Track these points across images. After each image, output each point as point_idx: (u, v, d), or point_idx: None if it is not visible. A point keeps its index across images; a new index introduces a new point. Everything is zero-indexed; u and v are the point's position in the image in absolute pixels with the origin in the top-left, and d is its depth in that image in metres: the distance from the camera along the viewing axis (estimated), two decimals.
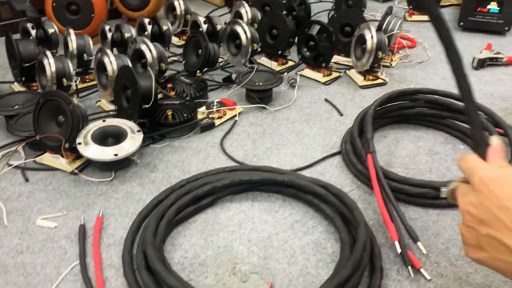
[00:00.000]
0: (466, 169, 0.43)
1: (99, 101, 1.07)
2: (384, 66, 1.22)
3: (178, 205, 0.70)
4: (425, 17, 1.66)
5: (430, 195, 0.73)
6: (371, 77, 1.17)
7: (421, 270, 0.62)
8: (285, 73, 1.22)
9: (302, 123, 1.01)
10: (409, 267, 0.61)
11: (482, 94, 1.11)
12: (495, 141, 0.44)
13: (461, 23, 1.54)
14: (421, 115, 0.96)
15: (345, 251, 0.63)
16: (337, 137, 0.95)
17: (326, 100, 1.10)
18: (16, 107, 0.96)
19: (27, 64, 1.04)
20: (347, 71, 1.23)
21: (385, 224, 0.66)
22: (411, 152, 0.89)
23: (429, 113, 0.95)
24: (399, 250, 0.63)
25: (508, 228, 0.36)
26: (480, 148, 0.44)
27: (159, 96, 1.02)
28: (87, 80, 1.16)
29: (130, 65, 0.99)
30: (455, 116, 0.93)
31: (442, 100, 0.93)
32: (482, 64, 1.26)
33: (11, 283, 0.61)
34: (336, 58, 1.27)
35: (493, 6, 1.48)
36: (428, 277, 0.61)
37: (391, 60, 1.27)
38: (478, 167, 0.40)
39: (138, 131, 0.85)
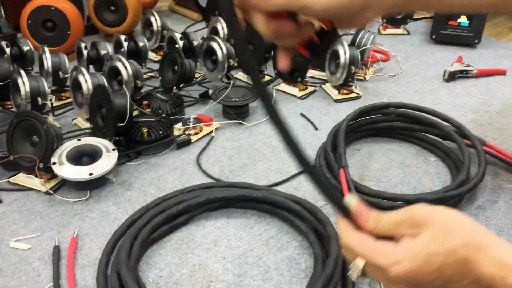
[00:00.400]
0: (362, 258, 0.40)
1: (75, 119, 1.07)
2: (358, 79, 1.25)
3: (152, 224, 0.71)
4: (399, 31, 1.70)
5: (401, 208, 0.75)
6: (345, 91, 1.20)
7: None
8: None
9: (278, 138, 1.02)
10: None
11: (453, 106, 1.15)
12: (353, 202, 0.42)
13: (433, 36, 1.58)
14: (393, 128, 0.99)
15: (318, 266, 0.64)
16: (312, 151, 0.97)
17: (301, 114, 1.12)
18: None
19: (1, 83, 1.04)
20: (323, 85, 1.25)
21: None
22: (383, 165, 0.91)
23: (400, 126, 0.98)
24: None
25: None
26: (346, 215, 0.41)
27: (135, 112, 1.02)
28: (63, 98, 1.16)
29: (106, 83, 1.00)
30: (426, 129, 0.95)
31: (413, 113, 0.95)
32: (452, 76, 1.30)
33: None
34: (311, 72, 1.30)
35: (463, 20, 1.53)
36: None
37: (365, 74, 1.30)
38: (382, 264, 0.38)
39: (113, 149, 0.85)
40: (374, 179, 0.87)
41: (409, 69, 1.37)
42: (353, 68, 1.13)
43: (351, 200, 0.42)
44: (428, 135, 0.96)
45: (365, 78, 1.29)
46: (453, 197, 0.77)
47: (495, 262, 0.36)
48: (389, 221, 0.40)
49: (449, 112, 0.95)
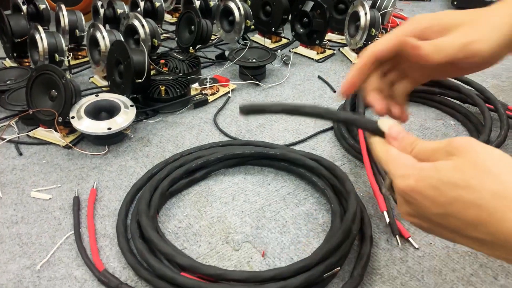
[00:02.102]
0: (385, 169, 0.37)
1: (92, 77, 1.07)
2: None
3: (171, 177, 0.71)
4: None
5: None
6: None
7: (410, 239, 0.63)
8: (279, 51, 1.22)
9: (295, 100, 1.01)
10: (397, 236, 0.63)
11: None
12: (386, 125, 0.39)
13: (455, 2, 1.54)
14: (413, 91, 0.96)
15: (335, 221, 0.64)
16: None
17: (319, 77, 1.11)
18: (8, 82, 0.96)
19: (19, 40, 1.04)
20: (341, 49, 1.23)
21: (375, 195, 0.68)
22: (402, 127, 0.90)
23: (420, 89, 0.96)
24: (387, 220, 0.64)
25: (448, 230, 0.34)
26: (380, 136, 0.40)
27: (152, 72, 1.02)
28: (80, 57, 1.15)
29: (123, 40, 0.99)
30: (446, 92, 0.93)
31: None
32: None
33: (7, 252, 0.62)
34: (330, 35, 1.27)
35: None
36: (416, 246, 0.63)
37: None
38: (392, 174, 0.35)
39: (131, 105, 0.85)
40: None
41: None
42: (373, 30, 1.11)
43: (385, 123, 0.39)
44: (448, 98, 0.94)
45: None
46: None
47: None
48: (426, 148, 0.36)
49: (470, 77, 0.93)
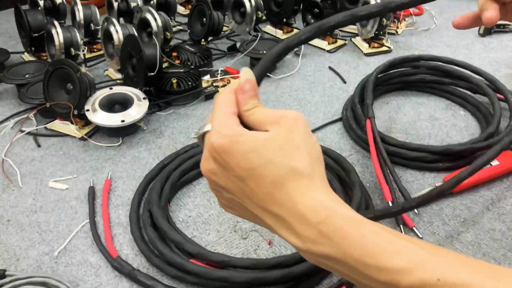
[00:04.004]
0: (210, 119, 0.37)
1: (107, 70, 1.10)
2: (389, 33, 1.22)
3: (182, 168, 0.73)
4: None
5: (427, 159, 0.75)
6: (376, 45, 1.17)
7: (414, 229, 0.64)
8: None
9: (305, 91, 1.03)
10: (401, 226, 0.64)
11: (487, 61, 1.11)
12: (244, 76, 0.37)
13: None
14: (423, 81, 0.97)
15: None
16: (339, 104, 0.96)
17: (330, 68, 1.11)
18: (26, 76, 0.99)
19: (36, 34, 1.07)
20: (352, 39, 1.23)
21: (380, 185, 0.69)
22: (411, 118, 0.90)
23: (431, 80, 0.96)
24: None
25: (245, 195, 0.34)
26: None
27: (165, 64, 1.04)
28: (95, 50, 1.18)
29: (136, 34, 1.01)
30: (457, 82, 0.93)
31: (444, 66, 0.93)
32: (489, 31, 1.25)
33: (27, 239, 0.66)
34: None
35: None
36: (420, 236, 0.64)
37: (397, 28, 1.27)
38: (213, 127, 0.35)
39: (144, 98, 0.88)
40: (401, 132, 0.87)
41: (442, 24, 1.33)
42: (384, 20, 1.11)
43: (246, 72, 0.37)
44: (458, 88, 0.94)
45: (396, 32, 1.26)
46: (481, 149, 0.76)
47: (316, 204, 0.32)
48: (263, 113, 0.36)
49: (483, 67, 0.92)
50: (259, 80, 0.39)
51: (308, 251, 0.32)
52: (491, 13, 0.47)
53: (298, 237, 0.32)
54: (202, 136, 0.37)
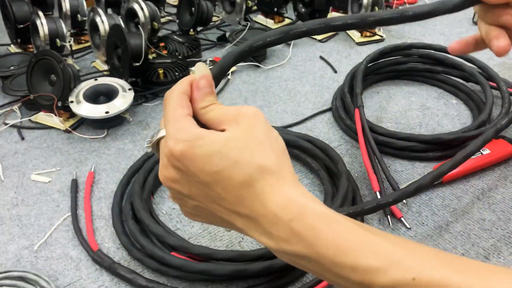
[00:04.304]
0: (164, 124, 0.34)
1: (94, 61, 1.08)
2: None
3: None
4: None
5: (416, 148, 0.74)
6: (368, 34, 1.16)
7: (402, 219, 0.63)
8: None
9: (295, 81, 1.01)
10: (389, 217, 0.63)
11: None
12: (199, 72, 0.35)
13: None
14: (415, 70, 0.95)
15: (327, 202, 0.64)
16: (329, 94, 0.95)
17: (321, 57, 1.09)
18: (11, 67, 0.97)
19: (22, 26, 1.05)
20: None
21: (368, 175, 0.67)
22: (402, 108, 0.89)
23: (422, 68, 0.94)
24: None
25: (212, 200, 0.32)
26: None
27: (152, 55, 1.02)
28: (83, 41, 1.16)
29: (123, 24, 0.99)
30: (449, 70, 0.92)
31: (436, 54, 0.92)
32: None
33: (7, 233, 0.64)
34: (333, 14, 1.25)
35: None
36: (408, 226, 0.62)
37: None
38: (168, 134, 0.33)
39: (130, 89, 0.86)
40: (392, 121, 0.85)
41: None
42: (376, 8, 1.09)
43: (201, 68, 0.35)
44: (450, 77, 0.92)
45: None
46: (472, 138, 0.74)
47: (287, 201, 0.30)
48: (220, 111, 0.34)
49: (476, 55, 0.90)
50: (217, 79, 0.37)
51: (281, 250, 0.31)
52: (503, 42, 0.40)
53: (270, 237, 0.31)
54: (156, 144, 0.35)
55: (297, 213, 0.30)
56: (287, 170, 0.32)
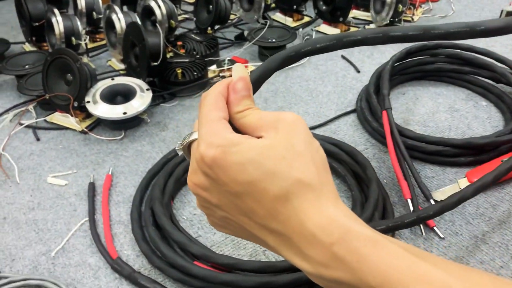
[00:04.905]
0: (196, 127, 0.32)
1: (110, 60, 1.06)
2: (405, 20, 1.16)
3: (187, 163, 0.69)
4: None
5: (448, 153, 0.70)
6: None
7: (435, 228, 0.60)
8: (300, 29, 1.17)
9: (317, 81, 0.98)
10: (421, 226, 0.60)
11: (510, 49, 1.05)
12: (237, 74, 0.32)
13: None
14: (442, 70, 0.92)
15: (356, 209, 0.61)
16: (353, 95, 0.92)
17: (342, 57, 1.06)
18: (26, 66, 0.95)
19: (37, 24, 1.03)
20: (366, 26, 1.18)
21: (398, 181, 0.64)
22: (430, 110, 0.85)
23: (450, 69, 0.90)
24: (411, 208, 0.61)
25: (242, 212, 0.30)
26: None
27: (169, 54, 1.00)
28: (98, 40, 1.14)
29: (139, 22, 0.97)
30: (478, 71, 0.88)
31: (464, 54, 0.88)
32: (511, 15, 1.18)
33: (23, 238, 0.62)
34: (354, 12, 1.22)
35: None
36: (442, 236, 0.59)
37: (413, 14, 1.21)
38: (200, 136, 0.30)
39: (147, 89, 0.84)
40: (419, 124, 0.81)
41: (461, 10, 1.27)
42: (400, 6, 1.05)
43: (238, 69, 0.33)
44: (479, 77, 0.88)
45: (412, 19, 1.20)
46: (506, 142, 0.71)
47: (328, 222, 0.27)
48: (257, 116, 0.31)
49: (506, 54, 0.87)
50: (258, 83, 0.34)
51: (319, 275, 0.28)
52: None
53: (306, 259, 0.28)
54: (188, 147, 0.32)
55: (340, 235, 0.27)
56: (328, 185, 0.29)
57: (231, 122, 0.32)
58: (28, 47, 1.12)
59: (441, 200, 0.58)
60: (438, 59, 0.91)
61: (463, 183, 0.67)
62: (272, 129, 0.29)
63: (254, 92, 0.34)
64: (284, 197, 0.28)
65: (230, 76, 0.33)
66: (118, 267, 0.56)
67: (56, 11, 0.96)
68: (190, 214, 0.65)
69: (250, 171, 0.28)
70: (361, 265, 0.26)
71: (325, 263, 0.27)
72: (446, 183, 0.68)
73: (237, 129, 0.31)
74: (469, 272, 0.27)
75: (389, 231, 0.54)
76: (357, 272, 0.26)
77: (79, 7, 1.09)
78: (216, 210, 0.32)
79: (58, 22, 0.94)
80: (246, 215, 0.30)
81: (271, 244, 0.30)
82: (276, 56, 0.34)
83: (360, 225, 0.27)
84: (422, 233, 0.59)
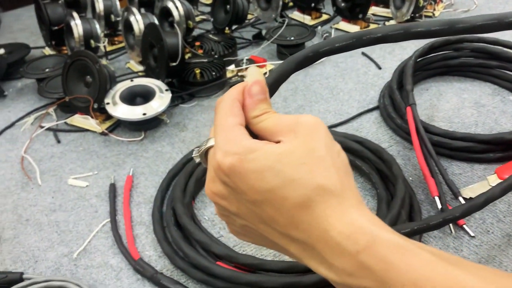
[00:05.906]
0: (212, 133, 0.31)
1: (128, 62, 1.06)
2: (426, 16, 1.14)
3: None
4: None
5: (476, 149, 0.68)
6: None
7: (464, 226, 0.57)
8: (319, 27, 1.16)
9: (337, 78, 0.96)
10: (450, 224, 0.57)
11: None
12: (252, 77, 0.31)
13: None
14: (467, 65, 0.89)
15: (382, 208, 0.59)
16: (375, 91, 0.90)
17: (363, 53, 1.04)
18: (46, 70, 0.96)
19: (56, 27, 1.04)
20: (386, 23, 1.15)
21: (425, 179, 0.62)
22: (455, 105, 0.83)
23: (475, 63, 0.88)
24: (439, 206, 0.59)
25: (262, 221, 0.29)
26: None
27: (188, 55, 0.99)
28: (116, 42, 1.15)
29: (157, 23, 0.96)
30: (505, 65, 0.85)
31: (491, 48, 0.85)
32: None
33: (46, 240, 0.62)
34: (373, 9, 1.20)
35: None
36: (472, 234, 0.57)
37: (434, 10, 1.18)
38: (217, 143, 0.29)
39: (167, 90, 0.83)
40: (444, 120, 0.79)
41: (484, 4, 1.23)
42: (421, 1, 1.03)
43: (253, 73, 0.32)
44: (507, 71, 0.85)
45: (433, 14, 1.17)
46: None
47: (353, 229, 0.26)
48: (275, 120, 0.30)
49: None
50: (275, 86, 0.33)
51: (345, 285, 0.26)
52: None
53: (331, 268, 0.26)
54: (205, 154, 0.31)
55: (366, 243, 0.25)
56: (351, 190, 0.28)
57: (248, 128, 0.31)
58: (48, 51, 1.13)
59: (469, 198, 0.56)
60: (462, 53, 0.88)
61: (493, 179, 0.64)
62: (290, 133, 0.28)
63: (271, 95, 0.32)
64: (305, 205, 0.26)
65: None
66: (140, 268, 0.56)
67: (75, 14, 0.96)
68: (211, 214, 0.64)
69: (269, 179, 0.27)
70: (389, 273, 0.24)
71: (352, 272, 0.26)
72: (475, 180, 0.66)
73: (254, 135, 0.30)
74: (507, 279, 0.25)
75: (415, 234, 0.52)
76: (386, 281, 0.25)
77: (97, 10, 1.09)
78: (236, 218, 0.31)
79: (77, 26, 0.95)
80: (266, 223, 0.29)
81: (293, 252, 0.29)
82: (293, 57, 0.33)
83: (387, 232, 0.26)
84: (451, 232, 0.57)
